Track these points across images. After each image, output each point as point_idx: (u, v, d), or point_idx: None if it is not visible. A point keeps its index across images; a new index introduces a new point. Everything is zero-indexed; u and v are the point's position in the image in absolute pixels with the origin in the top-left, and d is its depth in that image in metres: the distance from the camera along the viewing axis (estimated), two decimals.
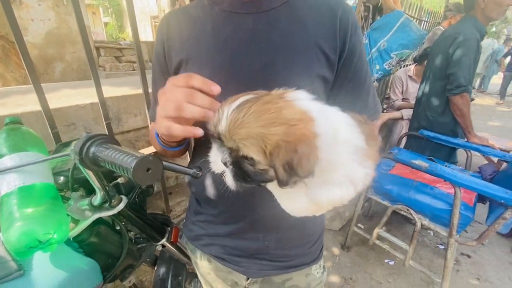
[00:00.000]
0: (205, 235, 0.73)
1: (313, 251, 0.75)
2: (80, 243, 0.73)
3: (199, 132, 0.43)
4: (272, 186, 0.45)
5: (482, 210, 2.01)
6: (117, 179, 0.78)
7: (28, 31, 4.91)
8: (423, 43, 2.84)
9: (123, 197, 0.75)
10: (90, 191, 0.73)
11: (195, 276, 1.21)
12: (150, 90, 0.78)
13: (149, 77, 1.23)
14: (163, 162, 0.43)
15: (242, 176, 0.41)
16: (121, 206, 0.73)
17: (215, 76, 0.54)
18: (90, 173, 0.59)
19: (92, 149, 0.45)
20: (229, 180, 0.42)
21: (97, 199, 0.66)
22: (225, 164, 0.42)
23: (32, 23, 4.97)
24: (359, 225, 2.47)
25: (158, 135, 0.56)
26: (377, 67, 2.44)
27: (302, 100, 0.38)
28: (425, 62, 2.34)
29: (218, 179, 0.63)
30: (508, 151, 2.79)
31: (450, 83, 1.90)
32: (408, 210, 1.71)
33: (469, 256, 2.23)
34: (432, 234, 2.47)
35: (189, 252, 0.81)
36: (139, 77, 1.31)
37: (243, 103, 0.38)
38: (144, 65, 1.34)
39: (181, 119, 0.42)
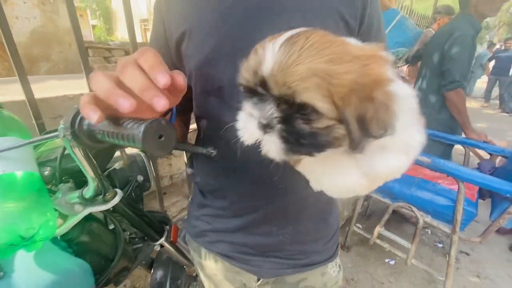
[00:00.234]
0: (210, 230, 0.66)
1: (329, 247, 0.69)
2: (69, 242, 0.65)
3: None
4: (311, 159, 0.33)
5: (479, 207, 2.01)
6: (109, 169, 0.71)
7: (13, 29, 4.68)
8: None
9: (118, 190, 0.67)
10: (81, 184, 0.65)
11: (194, 279, 1.13)
12: None
13: None
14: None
15: (295, 138, 0.30)
16: (116, 200, 0.65)
17: (221, 47, 0.50)
18: (82, 158, 0.51)
19: (87, 120, 0.38)
20: (273, 148, 0.32)
21: (89, 190, 0.58)
22: (266, 126, 0.31)
23: (16, 21, 4.79)
24: (357, 224, 2.44)
25: None
26: None
27: (355, 41, 0.31)
28: (418, 64, 2.35)
29: (228, 163, 0.57)
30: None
31: (444, 79, 1.92)
32: (410, 207, 1.68)
33: (467, 254, 2.22)
34: (430, 232, 2.46)
35: (192, 252, 0.73)
36: None
37: (294, 36, 0.29)
38: None
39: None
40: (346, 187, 0.37)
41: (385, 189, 1.82)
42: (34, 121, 0.93)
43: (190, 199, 0.75)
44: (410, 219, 2.44)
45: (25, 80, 0.90)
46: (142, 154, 0.84)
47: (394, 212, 1.82)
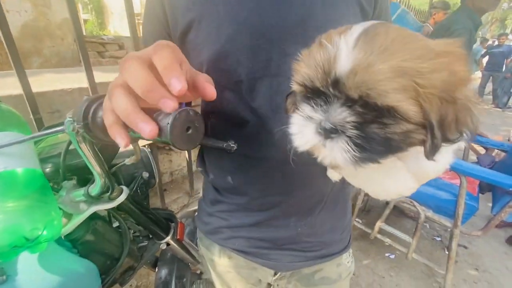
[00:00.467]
0: (226, 227, 0.63)
1: (344, 238, 0.69)
2: (74, 242, 0.62)
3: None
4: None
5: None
6: (115, 166, 0.68)
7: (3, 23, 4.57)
8: None
9: (124, 187, 0.65)
10: (85, 181, 0.62)
11: (199, 277, 1.11)
12: None
13: None
14: None
15: (369, 145, 0.26)
16: (122, 197, 0.63)
17: (239, 35, 0.46)
18: (89, 154, 0.48)
19: (101, 112, 0.35)
20: (340, 155, 0.28)
21: (96, 187, 0.55)
22: (330, 131, 0.27)
23: (7, 14, 4.61)
24: (357, 219, 2.44)
25: None
26: None
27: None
28: None
29: (246, 160, 0.55)
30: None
31: None
32: (411, 202, 1.69)
33: (465, 247, 2.25)
34: (428, 226, 2.48)
35: (203, 250, 0.71)
36: None
37: (366, 31, 0.25)
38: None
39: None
40: (396, 190, 0.35)
41: None
42: (31, 116, 0.89)
43: (202, 195, 0.72)
44: (409, 214, 2.46)
45: (22, 74, 0.87)
46: (147, 150, 0.81)
47: (393, 207, 1.83)
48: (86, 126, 0.36)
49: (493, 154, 2.18)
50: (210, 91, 0.34)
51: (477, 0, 1.86)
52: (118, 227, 0.77)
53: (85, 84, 1.05)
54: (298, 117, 0.31)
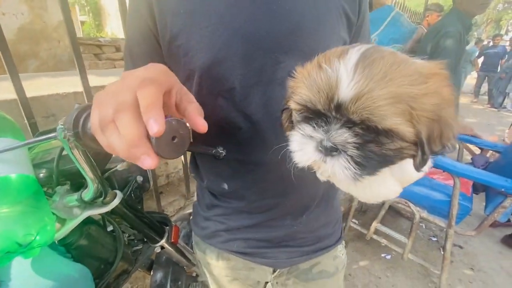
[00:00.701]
0: (224, 230, 0.64)
1: (336, 230, 0.72)
2: (68, 247, 0.63)
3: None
4: None
5: (473, 201, 2.05)
6: (109, 171, 0.68)
7: None
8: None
9: (118, 192, 0.65)
10: (79, 186, 0.63)
11: (194, 280, 1.12)
12: None
13: None
14: None
15: (367, 162, 0.29)
16: (115, 202, 0.63)
17: (233, 43, 0.47)
18: (82, 160, 0.49)
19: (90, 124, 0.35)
20: (341, 171, 0.30)
21: (89, 192, 0.56)
22: (331, 149, 0.30)
23: (3, 17, 4.62)
24: (353, 220, 2.46)
25: None
26: None
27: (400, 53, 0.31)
28: None
29: (241, 166, 0.56)
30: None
31: None
32: (406, 202, 1.70)
33: (461, 247, 2.27)
34: (424, 227, 2.50)
35: (200, 254, 0.71)
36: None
37: (364, 56, 0.27)
38: None
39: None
40: (382, 194, 0.37)
41: None
42: (26, 121, 0.90)
43: (195, 201, 0.73)
44: (405, 214, 2.48)
45: (16, 78, 0.87)
46: None
47: (389, 207, 1.85)
48: (76, 134, 0.36)
49: (488, 155, 2.20)
50: (202, 125, 0.35)
51: (466, 4, 1.90)
52: (112, 231, 0.77)
53: (80, 88, 1.05)
54: (298, 135, 0.33)
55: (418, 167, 0.30)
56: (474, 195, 1.89)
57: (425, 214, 1.67)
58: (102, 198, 0.60)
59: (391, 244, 1.87)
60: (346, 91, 0.27)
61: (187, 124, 0.33)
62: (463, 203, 1.53)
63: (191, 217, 0.75)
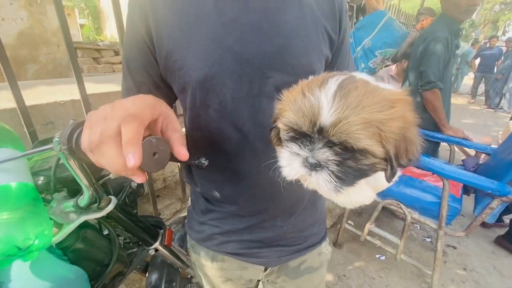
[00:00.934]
0: (219, 233, 0.68)
1: (321, 229, 0.78)
2: (65, 250, 0.66)
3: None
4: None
5: (465, 202, 2.08)
6: (103, 178, 0.72)
7: None
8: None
9: (112, 197, 0.69)
10: (75, 192, 0.66)
11: (189, 281, 1.15)
12: None
13: None
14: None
15: (346, 176, 0.34)
16: (110, 207, 0.67)
17: (225, 61, 0.51)
18: (77, 169, 0.53)
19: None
20: (324, 184, 0.35)
21: (84, 199, 0.60)
22: (315, 165, 0.35)
23: (3, 22, 4.67)
24: (349, 221, 2.49)
25: None
26: (362, 65, 2.48)
27: (372, 81, 0.36)
28: (403, 62, 2.42)
29: (231, 173, 0.61)
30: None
31: (421, 80, 2.02)
32: (398, 204, 1.73)
33: (454, 248, 2.30)
34: (419, 227, 2.53)
35: (195, 257, 0.75)
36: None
37: (341, 87, 0.32)
38: None
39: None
40: (360, 200, 0.43)
41: None
42: (25, 129, 0.93)
43: (189, 206, 0.76)
44: (399, 216, 2.51)
45: (16, 88, 0.90)
46: None
47: (384, 208, 1.88)
48: (70, 149, 0.40)
49: (482, 157, 2.23)
50: (183, 154, 0.39)
51: (452, 10, 1.94)
52: (108, 234, 0.81)
53: (77, 96, 1.09)
54: (286, 152, 0.38)
55: (388, 179, 0.35)
56: (466, 196, 1.93)
57: (416, 215, 1.70)
58: (97, 204, 0.63)
59: (385, 245, 1.91)
60: (326, 117, 0.32)
61: (166, 141, 0.37)
62: (453, 204, 1.56)
63: (186, 222, 0.78)
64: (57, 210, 0.62)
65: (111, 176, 0.62)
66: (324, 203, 0.80)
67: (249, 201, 0.63)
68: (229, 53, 0.51)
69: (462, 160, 2.03)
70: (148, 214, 1.63)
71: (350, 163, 0.34)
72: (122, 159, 0.32)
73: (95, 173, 0.70)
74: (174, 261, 0.97)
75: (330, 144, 0.34)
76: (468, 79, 10.54)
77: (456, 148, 2.24)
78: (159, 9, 0.52)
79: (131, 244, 0.89)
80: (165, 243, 0.89)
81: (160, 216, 1.67)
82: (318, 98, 0.32)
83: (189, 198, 0.78)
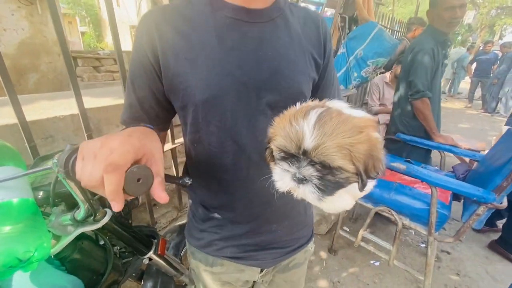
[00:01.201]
0: (218, 239, 0.74)
1: (310, 231, 0.87)
2: (62, 260, 0.70)
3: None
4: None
5: (459, 207, 2.12)
6: None
7: (0, 42, 4.72)
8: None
9: (108, 210, 0.73)
10: (72, 206, 0.71)
11: None
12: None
13: None
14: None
15: (326, 188, 0.43)
16: (105, 219, 0.71)
17: (226, 83, 0.58)
18: (74, 186, 0.57)
19: None
20: (310, 194, 0.44)
21: (80, 213, 0.64)
22: (301, 180, 0.43)
23: (4, 33, 4.77)
24: (344, 228, 2.52)
25: None
26: (355, 74, 2.54)
27: (346, 109, 0.45)
28: (395, 67, 2.49)
29: (230, 184, 0.67)
30: (478, 151, 2.98)
31: (410, 89, 2.09)
32: (389, 211, 1.77)
33: (448, 253, 2.33)
34: (413, 233, 2.56)
35: (195, 263, 0.79)
36: (121, 87, 1.29)
37: (319, 118, 0.41)
38: (126, 75, 1.32)
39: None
40: (341, 206, 0.51)
41: (367, 195, 1.90)
42: (26, 144, 0.98)
43: (189, 214, 0.82)
44: (395, 222, 2.54)
45: (17, 104, 0.95)
46: None
47: (379, 214, 1.91)
48: (66, 172, 0.45)
49: (475, 164, 2.27)
50: (163, 198, 0.44)
51: (436, 22, 2.01)
52: (104, 244, 0.85)
53: (76, 110, 1.14)
54: (278, 169, 0.47)
55: (360, 189, 0.43)
56: (457, 202, 1.97)
57: (407, 221, 1.74)
58: (92, 217, 0.68)
59: (379, 251, 1.94)
60: (308, 142, 0.40)
61: (147, 167, 0.41)
62: (441, 211, 1.60)
63: (186, 230, 0.83)
64: (55, 223, 0.67)
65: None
66: (312, 208, 0.87)
67: (245, 208, 0.70)
68: (229, 76, 0.58)
69: (452, 167, 2.07)
70: (144, 223, 1.67)
71: (329, 177, 0.42)
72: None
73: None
74: (168, 269, 1.01)
75: (312, 163, 0.42)
76: (465, 84, 10.63)
77: (450, 154, 2.28)
78: (166, 35, 0.59)
79: (126, 254, 0.93)
80: (159, 252, 0.93)
81: (157, 225, 1.71)
82: (302, 127, 0.41)
83: (188, 207, 0.83)
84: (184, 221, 1.43)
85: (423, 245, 2.42)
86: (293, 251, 0.81)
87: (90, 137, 1.19)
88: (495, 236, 2.45)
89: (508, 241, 2.26)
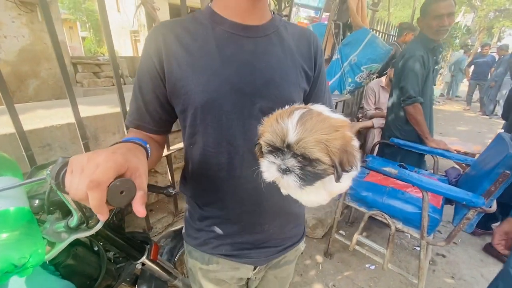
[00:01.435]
0: (214, 238, 0.78)
1: (302, 230, 0.91)
2: (57, 266, 0.73)
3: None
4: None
5: (452, 211, 2.14)
6: None
7: (1, 49, 4.78)
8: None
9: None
10: (67, 213, 0.74)
11: None
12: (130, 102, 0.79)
13: (127, 94, 1.26)
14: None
15: (306, 177, 0.48)
16: (98, 226, 0.74)
17: (223, 89, 0.64)
18: (66, 196, 0.60)
19: None
20: (292, 184, 0.49)
21: (73, 220, 0.67)
22: (285, 170, 0.48)
23: (5, 40, 4.85)
24: (340, 232, 2.54)
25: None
26: (349, 80, 2.58)
27: (326, 111, 0.50)
28: (390, 70, 2.54)
29: (223, 182, 0.71)
30: (474, 154, 3.01)
31: (402, 95, 2.12)
32: (382, 215, 1.80)
33: (444, 256, 2.34)
34: (409, 236, 2.57)
35: (192, 261, 0.82)
36: (117, 96, 1.32)
37: (301, 117, 0.46)
38: (120, 84, 1.36)
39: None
40: (317, 201, 0.56)
41: (361, 199, 1.94)
42: (24, 152, 1.01)
43: (186, 215, 0.86)
44: (388, 225, 2.56)
45: (14, 114, 0.99)
46: None
47: (374, 218, 1.93)
48: (58, 184, 0.48)
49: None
50: (141, 213, 0.46)
51: (425, 30, 2.05)
52: (97, 250, 0.88)
53: (73, 119, 1.17)
54: (266, 161, 0.52)
55: (336, 180, 0.47)
56: (450, 206, 1.99)
57: (400, 225, 1.76)
58: (86, 224, 0.71)
59: (373, 255, 1.95)
60: (292, 137, 0.45)
61: (130, 179, 0.44)
62: (432, 215, 1.63)
63: (183, 230, 0.87)
64: (50, 230, 0.70)
65: None
66: (304, 207, 0.90)
67: (237, 206, 0.74)
68: (226, 83, 0.64)
69: (445, 171, 2.10)
70: (139, 229, 1.69)
71: (309, 168, 0.47)
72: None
73: None
74: (162, 274, 1.04)
75: (295, 155, 0.47)
76: (464, 86, 10.67)
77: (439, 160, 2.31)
78: (171, 45, 0.65)
79: (120, 259, 0.96)
80: (152, 257, 0.95)
81: (153, 230, 1.73)
82: (286, 124, 0.46)
83: (186, 209, 0.87)
84: (179, 226, 1.45)
85: (418, 249, 2.42)
86: (285, 250, 0.85)
87: (86, 145, 1.23)
88: (490, 239, 2.46)
89: None
